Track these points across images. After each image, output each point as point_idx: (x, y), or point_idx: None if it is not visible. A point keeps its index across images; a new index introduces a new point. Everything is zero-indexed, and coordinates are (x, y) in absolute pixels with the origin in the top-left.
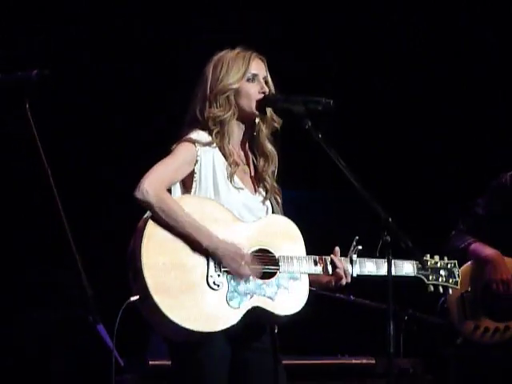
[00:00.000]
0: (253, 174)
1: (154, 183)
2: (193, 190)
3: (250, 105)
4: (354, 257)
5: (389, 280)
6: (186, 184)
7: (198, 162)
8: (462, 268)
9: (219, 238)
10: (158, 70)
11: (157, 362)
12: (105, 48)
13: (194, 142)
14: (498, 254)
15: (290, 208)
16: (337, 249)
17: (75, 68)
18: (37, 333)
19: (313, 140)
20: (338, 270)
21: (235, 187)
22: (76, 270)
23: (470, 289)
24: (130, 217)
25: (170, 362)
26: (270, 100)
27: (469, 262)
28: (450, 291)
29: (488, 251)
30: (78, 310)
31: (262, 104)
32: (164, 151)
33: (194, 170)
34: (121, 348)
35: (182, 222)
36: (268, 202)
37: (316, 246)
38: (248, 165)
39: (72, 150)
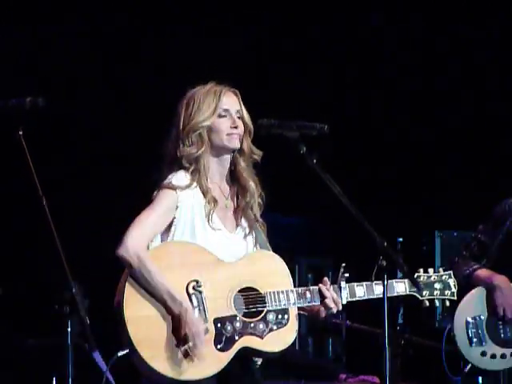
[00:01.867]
0: (236, 207)
1: (137, 242)
2: (171, 233)
3: (222, 140)
4: (343, 284)
5: (384, 305)
6: (166, 227)
7: (179, 208)
8: (468, 294)
9: (189, 316)
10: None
11: None
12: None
13: (174, 188)
14: (505, 279)
15: (284, 234)
16: (325, 279)
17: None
18: (35, 359)
19: (307, 165)
20: (326, 299)
21: (212, 227)
22: (73, 299)
23: (475, 315)
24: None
25: None
26: (263, 125)
27: (475, 289)
28: (448, 303)
29: (495, 276)
30: (75, 338)
31: (236, 140)
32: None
33: (174, 215)
34: (117, 375)
35: (159, 289)
36: (250, 238)
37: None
38: (232, 199)
39: (67, 177)
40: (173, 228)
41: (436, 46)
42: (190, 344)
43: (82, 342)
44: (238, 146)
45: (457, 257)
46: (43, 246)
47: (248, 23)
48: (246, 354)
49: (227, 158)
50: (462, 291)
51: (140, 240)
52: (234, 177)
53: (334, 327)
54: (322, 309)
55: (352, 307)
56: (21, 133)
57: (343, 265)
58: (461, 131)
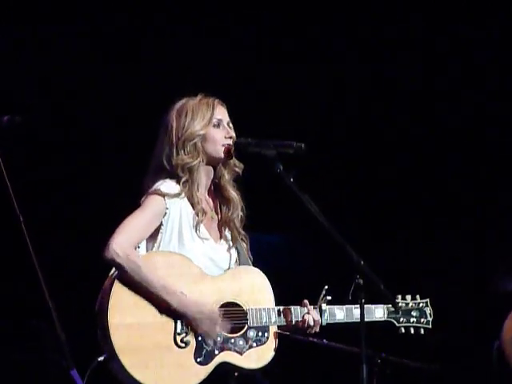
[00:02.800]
0: (219, 219)
1: (123, 244)
2: (157, 241)
3: (217, 150)
4: (324, 306)
5: (362, 324)
6: (153, 235)
7: (167, 215)
8: None
9: (188, 300)
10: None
11: None
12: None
13: (163, 194)
14: None
15: (265, 252)
16: (305, 301)
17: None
18: (12, 376)
19: (284, 184)
20: (307, 320)
21: (200, 237)
22: (50, 317)
23: None
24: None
25: None
26: (240, 144)
27: None
28: (422, 331)
29: None
30: (53, 355)
31: (230, 150)
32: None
33: (161, 222)
34: None
35: (153, 283)
36: (233, 250)
37: (290, 290)
38: (215, 210)
39: (46, 196)
40: (159, 236)
41: (436, 46)
42: (204, 328)
43: (59, 359)
44: (229, 156)
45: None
46: (20, 263)
47: (248, 23)
48: (225, 369)
49: (213, 169)
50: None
51: (127, 241)
52: (216, 189)
53: (311, 346)
54: (302, 328)
55: (330, 326)
56: None
57: (326, 287)
58: (461, 131)
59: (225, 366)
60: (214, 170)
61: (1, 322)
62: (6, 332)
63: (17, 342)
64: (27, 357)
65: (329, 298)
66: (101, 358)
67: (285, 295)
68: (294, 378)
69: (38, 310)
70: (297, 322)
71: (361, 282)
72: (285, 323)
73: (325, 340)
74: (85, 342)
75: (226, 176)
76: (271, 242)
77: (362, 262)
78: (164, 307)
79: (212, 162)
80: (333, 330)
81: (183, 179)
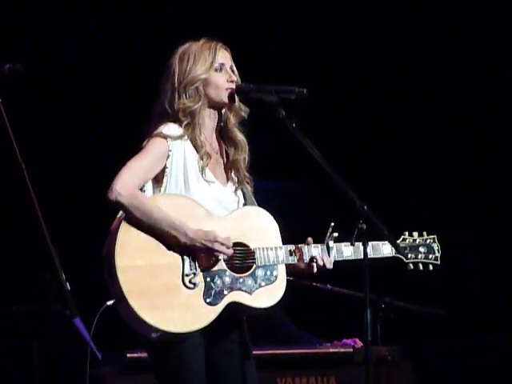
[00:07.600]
0: (225, 162)
1: (127, 184)
2: (163, 185)
3: (219, 94)
4: (331, 243)
5: (365, 268)
6: (157, 178)
7: (170, 157)
8: None
9: (194, 230)
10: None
11: (135, 355)
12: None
13: (165, 136)
14: None
15: (265, 198)
16: (309, 239)
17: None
18: (15, 326)
19: (286, 129)
20: (316, 257)
21: (206, 180)
22: (53, 266)
23: None
24: (107, 210)
25: (147, 355)
26: (242, 90)
27: None
28: (431, 267)
29: None
30: (56, 304)
31: (233, 94)
32: (135, 146)
33: (165, 164)
34: (99, 341)
35: (158, 220)
36: (239, 192)
37: (292, 235)
38: (221, 154)
39: (47, 144)
40: (165, 179)
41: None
42: (220, 257)
43: (63, 309)
44: (232, 100)
45: None
46: (24, 215)
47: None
48: (234, 309)
49: (219, 113)
50: None
51: (131, 182)
52: (222, 132)
53: (315, 291)
54: (312, 266)
55: (333, 271)
56: (0, 100)
57: (332, 224)
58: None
59: (234, 307)
60: (219, 113)
61: (5, 273)
62: (9, 282)
63: (20, 291)
64: (30, 307)
65: (335, 234)
66: (109, 303)
67: (288, 239)
68: (297, 323)
69: (41, 259)
70: (304, 266)
71: (364, 226)
72: (294, 262)
73: (329, 285)
74: (90, 290)
75: (232, 119)
76: (267, 188)
77: (365, 207)
78: (171, 243)
79: (215, 106)
80: (336, 274)
81: (185, 122)
